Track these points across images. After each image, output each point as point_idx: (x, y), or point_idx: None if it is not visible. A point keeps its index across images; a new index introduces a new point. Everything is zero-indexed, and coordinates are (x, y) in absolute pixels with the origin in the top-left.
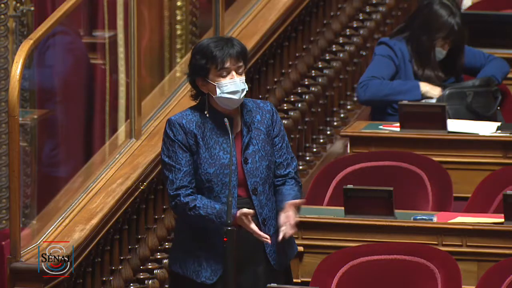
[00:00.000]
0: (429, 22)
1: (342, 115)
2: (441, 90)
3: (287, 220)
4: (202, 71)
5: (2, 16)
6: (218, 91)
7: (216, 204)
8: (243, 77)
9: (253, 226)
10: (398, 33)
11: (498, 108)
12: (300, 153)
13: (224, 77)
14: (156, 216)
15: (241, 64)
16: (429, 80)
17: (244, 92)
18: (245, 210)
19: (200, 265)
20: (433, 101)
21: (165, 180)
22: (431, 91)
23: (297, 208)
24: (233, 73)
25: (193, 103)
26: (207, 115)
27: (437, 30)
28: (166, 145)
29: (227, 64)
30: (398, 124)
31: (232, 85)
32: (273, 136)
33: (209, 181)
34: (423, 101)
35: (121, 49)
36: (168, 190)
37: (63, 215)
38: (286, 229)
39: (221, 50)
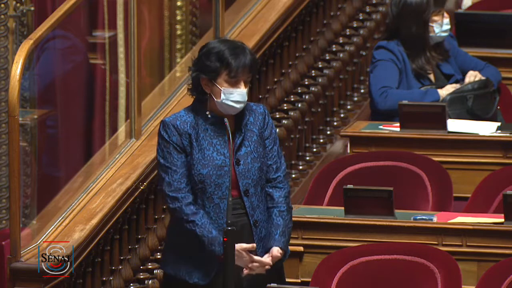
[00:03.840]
0: (409, 12)
1: (342, 115)
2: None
3: (260, 263)
4: (212, 73)
5: (2, 16)
6: (222, 96)
7: (213, 229)
8: (247, 89)
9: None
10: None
11: (498, 107)
12: (300, 153)
13: (232, 85)
14: (156, 216)
15: (250, 76)
16: (423, 69)
17: (245, 104)
18: (244, 246)
19: (193, 266)
20: None
21: (161, 182)
22: (447, 93)
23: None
24: (242, 83)
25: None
26: (209, 116)
27: (423, 10)
28: (161, 147)
29: (240, 75)
30: (398, 124)
31: (238, 95)
32: (264, 138)
33: (201, 182)
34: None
35: (121, 49)
36: (165, 191)
37: (63, 215)
38: (256, 268)
39: (237, 59)
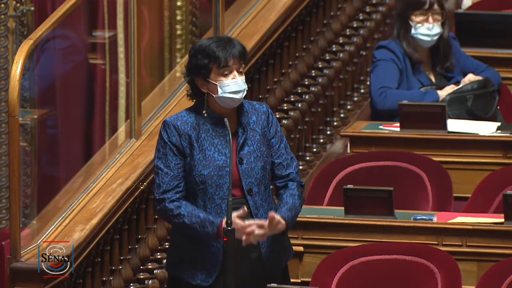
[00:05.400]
0: (402, 7)
1: (342, 115)
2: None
3: (262, 227)
4: (203, 71)
5: (2, 16)
6: (219, 90)
7: (200, 213)
8: (243, 77)
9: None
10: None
11: (498, 107)
12: (300, 153)
13: (226, 76)
14: (156, 216)
15: (242, 63)
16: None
17: (245, 92)
18: (236, 213)
19: (196, 267)
20: None
21: (154, 183)
22: (446, 94)
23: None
24: (235, 72)
25: (191, 104)
26: (205, 115)
27: (410, 6)
28: (158, 147)
29: (230, 64)
30: (398, 124)
31: (234, 85)
32: (270, 137)
33: (203, 183)
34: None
35: (121, 49)
36: (154, 194)
37: (63, 215)
38: (257, 231)
39: (224, 49)
